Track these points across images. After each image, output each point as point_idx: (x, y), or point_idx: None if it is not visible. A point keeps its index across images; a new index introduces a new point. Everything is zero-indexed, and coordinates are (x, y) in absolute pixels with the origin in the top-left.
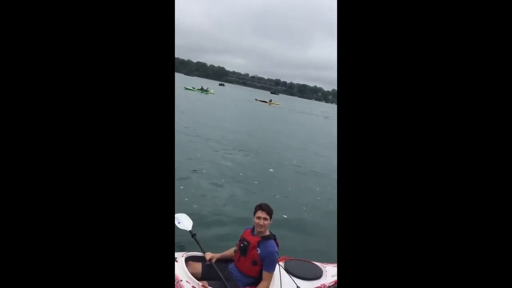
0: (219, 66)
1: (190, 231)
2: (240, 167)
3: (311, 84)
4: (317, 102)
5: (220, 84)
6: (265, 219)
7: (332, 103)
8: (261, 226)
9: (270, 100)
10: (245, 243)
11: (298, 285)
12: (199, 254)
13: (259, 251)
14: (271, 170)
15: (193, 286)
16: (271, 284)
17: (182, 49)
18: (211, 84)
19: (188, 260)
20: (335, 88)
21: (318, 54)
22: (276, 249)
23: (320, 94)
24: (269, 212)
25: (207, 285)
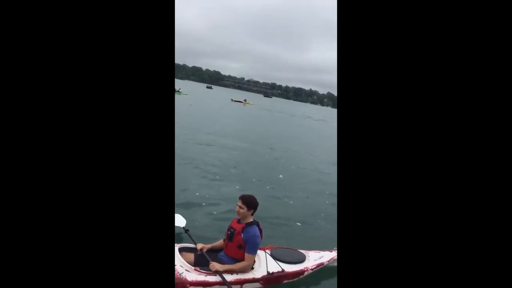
0: (214, 71)
1: (183, 227)
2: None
3: (307, 88)
4: (312, 105)
5: (207, 87)
6: (240, 207)
7: (327, 106)
8: (238, 213)
9: (245, 100)
10: (232, 230)
11: (283, 268)
12: (192, 245)
13: (243, 236)
14: (280, 176)
15: (186, 270)
16: (257, 268)
17: (178, 53)
18: (200, 88)
19: (181, 250)
20: (331, 91)
21: (315, 58)
22: (258, 233)
23: (315, 97)
24: (245, 202)
25: (199, 269)
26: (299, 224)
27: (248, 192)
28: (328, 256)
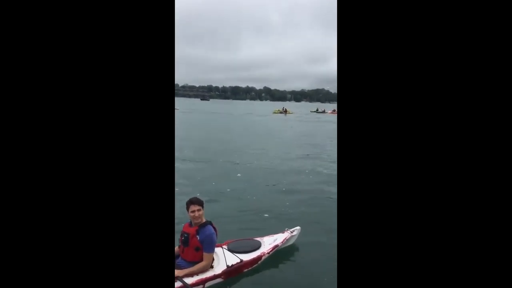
0: None
1: None
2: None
3: (243, 85)
4: (251, 101)
5: None
6: (198, 210)
7: (266, 100)
8: (197, 217)
9: None
10: (185, 235)
11: (241, 258)
12: None
13: (198, 237)
14: (239, 174)
15: None
16: (216, 265)
17: None
18: None
19: None
20: (266, 85)
21: (246, 55)
22: (213, 231)
23: (253, 93)
24: (200, 203)
25: None
26: (266, 215)
27: (209, 194)
28: (281, 237)
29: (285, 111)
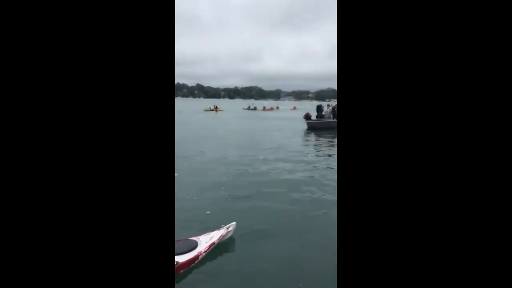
0: None
1: None
2: None
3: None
4: (184, 98)
5: None
6: None
7: (199, 97)
8: None
9: None
10: None
11: (177, 261)
12: None
13: None
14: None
15: None
16: None
17: None
18: None
19: None
20: (199, 82)
21: (178, 50)
22: None
23: (185, 90)
24: None
25: None
26: (208, 212)
27: None
28: (218, 234)
29: (215, 109)
